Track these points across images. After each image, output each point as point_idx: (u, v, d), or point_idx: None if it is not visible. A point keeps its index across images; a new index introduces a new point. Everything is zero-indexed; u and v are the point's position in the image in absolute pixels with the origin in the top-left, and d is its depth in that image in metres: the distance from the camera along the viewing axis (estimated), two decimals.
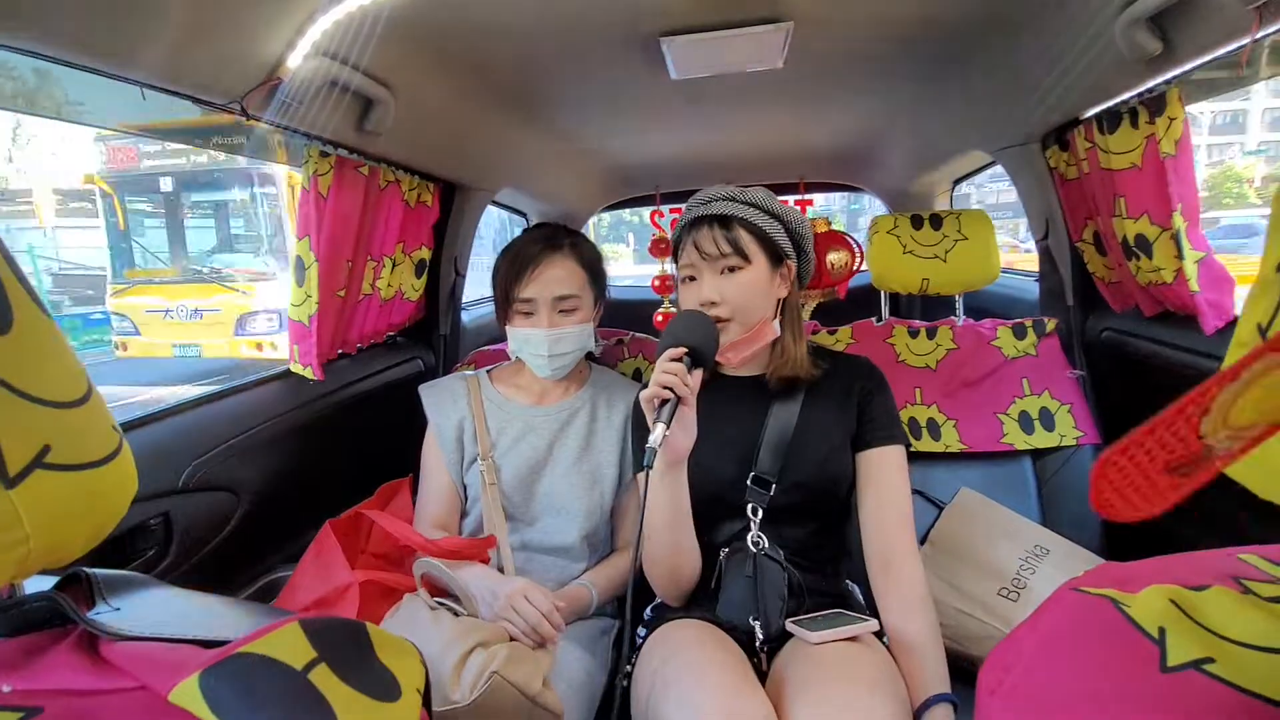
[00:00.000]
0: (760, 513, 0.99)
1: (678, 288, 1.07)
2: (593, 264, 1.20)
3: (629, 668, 0.98)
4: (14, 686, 0.30)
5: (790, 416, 1.01)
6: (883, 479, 1.00)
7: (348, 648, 0.35)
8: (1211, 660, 0.35)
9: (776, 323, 1.03)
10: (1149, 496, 0.34)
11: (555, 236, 1.17)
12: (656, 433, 0.83)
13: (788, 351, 1.03)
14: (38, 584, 0.38)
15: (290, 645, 0.33)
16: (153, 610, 0.35)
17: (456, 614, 0.91)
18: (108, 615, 0.34)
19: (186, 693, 0.29)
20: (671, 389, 0.85)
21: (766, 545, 0.97)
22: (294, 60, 0.90)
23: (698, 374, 0.89)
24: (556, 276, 1.13)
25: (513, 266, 1.13)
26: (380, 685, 0.35)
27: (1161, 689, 0.36)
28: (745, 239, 0.98)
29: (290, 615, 0.36)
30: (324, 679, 0.32)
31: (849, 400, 1.03)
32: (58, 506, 0.31)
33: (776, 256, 1.01)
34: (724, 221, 0.98)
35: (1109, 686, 0.37)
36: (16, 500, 0.29)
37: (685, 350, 0.89)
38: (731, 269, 0.98)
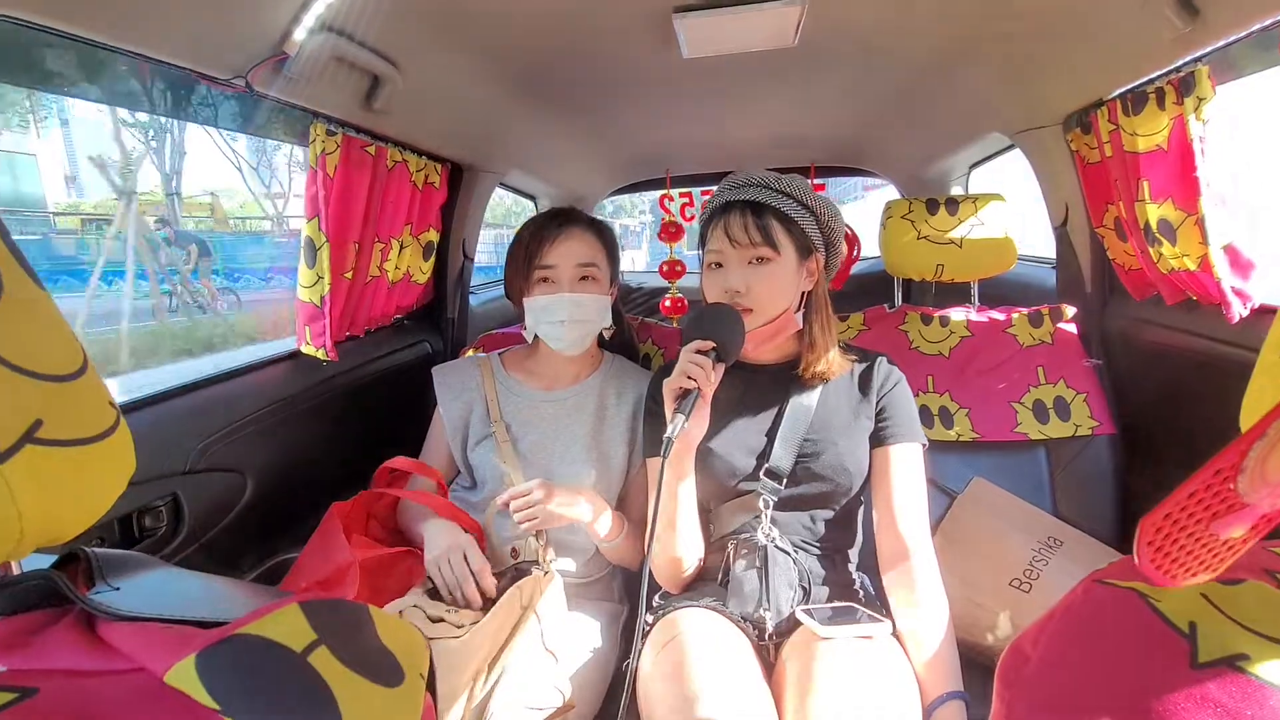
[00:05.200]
0: (771, 505, 0.98)
1: (701, 272, 1.05)
2: (609, 243, 1.21)
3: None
4: (9, 666, 0.30)
5: (807, 409, 1.00)
6: (899, 476, 0.98)
7: (349, 630, 0.34)
8: (1246, 656, 0.34)
9: (799, 315, 1.02)
10: (1205, 558, 0.33)
11: (573, 213, 1.19)
12: (676, 424, 0.83)
13: (818, 347, 1.01)
14: (36, 563, 0.37)
15: (290, 627, 0.32)
16: (153, 590, 0.34)
17: (451, 626, 0.90)
18: (107, 594, 0.33)
19: (182, 674, 0.28)
20: (695, 381, 0.85)
21: (777, 538, 0.96)
22: (299, 34, 0.89)
23: (720, 368, 0.89)
24: (577, 246, 1.15)
25: (535, 237, 1.15)
26: (382, 669, 0.34)
27: (1192, 685, 0.34)
28: (776, 229, 0.96)
29: (290, 596, 0.35)
30: (324, 662, 0.32)
31: (868, 397, 1.02)
32: (51, 483, 0.30)
33: (805, 249, 0.99)
34: (756, 209, 0.96)
35: (1137, 681, 0.36)
36: (6, 475, 0.28)
37: (713, 345, 0.89)
38: (760, 259, 0.97)
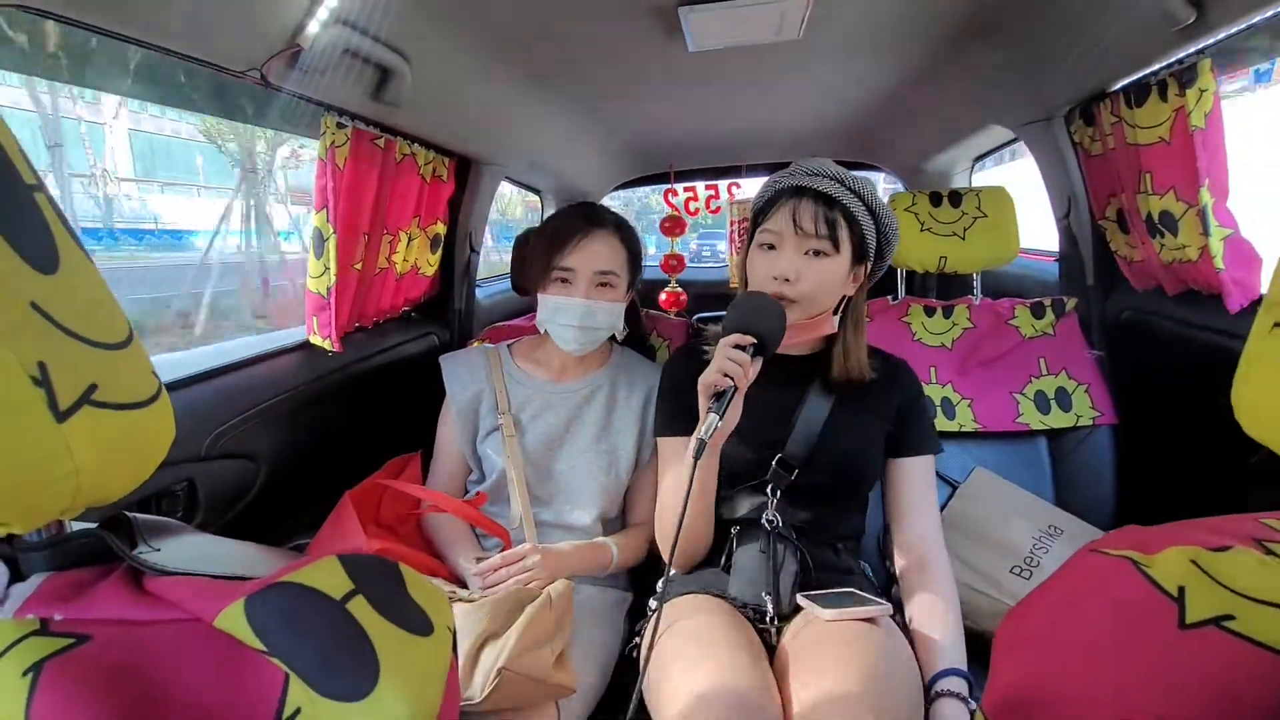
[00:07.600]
0: (779, 493, 0.99)
1: (746, 252, 1.02)
2: (633, 248, 1.19)
3: (637, 639, 0.99)
4: (64, 615, 0.31)
5: (825, 405, 1.00)
6: (918, 486, 1.00)
7: (383, 583, 0.36)
8: (1231, 617, 0.36)
9: (836, 319, 1.00)
10: None
11: (601, 214, 1.17)
12: (709, 423, 0.81)
13: (850, 354, 1.00)
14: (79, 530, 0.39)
15: (329, 577, 0.34)
16: (191, 552, 0.36)
17: (465, 599, 0.93)
18: (149, 555, 0.35)
19: (231, 618, 0.30)
20: (732, 379, 0.83)
21: (780, 524, 0.97)
22: (313, 27, 0.90)
23: (757, 363, 0.87)
24: (600, 251, 1.12)
25: (557, 235, 1.13)
26: (414, 620, 0.36)
27: (1180, 644, 0.36)
28: (842, 227, 0.94)
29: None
30: (361, 610, 0.34)
31: (888, 404, 1.02)
32: (104, 443, 0.32)
33: (861, 254, 0.98)
34: (829, 202, 0.94)
35: (1127, 642, 0.38)
36: (67, 434, 0.30)
37: (753, 340, 0.86)
38: (818, 252, 0.94)
